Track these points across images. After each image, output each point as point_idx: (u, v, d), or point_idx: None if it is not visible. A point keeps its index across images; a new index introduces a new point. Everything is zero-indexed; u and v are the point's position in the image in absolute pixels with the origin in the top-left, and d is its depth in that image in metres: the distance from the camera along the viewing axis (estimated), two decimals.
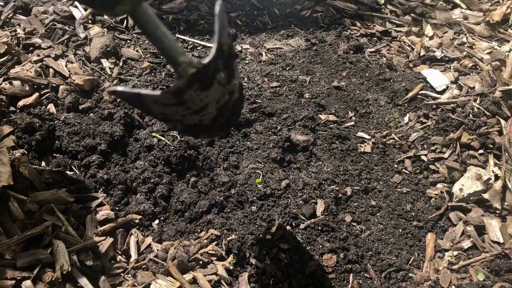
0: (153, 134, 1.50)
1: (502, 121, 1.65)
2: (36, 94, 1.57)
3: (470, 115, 1.70)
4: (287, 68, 2.00)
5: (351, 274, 1.23)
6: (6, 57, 1.66)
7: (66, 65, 1.74)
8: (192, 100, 0.81)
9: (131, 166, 1.42)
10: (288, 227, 1.30)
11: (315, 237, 1.30)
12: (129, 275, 1.14)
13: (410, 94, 1.86)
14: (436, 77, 1.93)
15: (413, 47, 2.18)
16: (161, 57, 1.93)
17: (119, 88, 0.73)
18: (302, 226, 1.32)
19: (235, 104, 0.94)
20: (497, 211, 1.42)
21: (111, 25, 2.07)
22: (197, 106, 0.84)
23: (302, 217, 1.34)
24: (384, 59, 2.12)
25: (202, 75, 0.75)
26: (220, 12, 0.74)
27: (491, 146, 1.59)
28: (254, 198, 1.38)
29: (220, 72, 0.81)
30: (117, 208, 1.30)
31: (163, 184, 1.38)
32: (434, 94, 1.86)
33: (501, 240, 1.32)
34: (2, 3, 2.08)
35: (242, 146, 1.58)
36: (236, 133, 1.61)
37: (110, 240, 1.18)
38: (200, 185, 1.40)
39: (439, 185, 1.53)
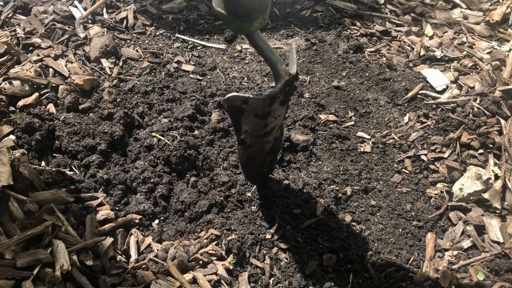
0: (153, 134, 1.50)
1: (502, 121, 1.65)
2: (36, 94, 1.57)
3: (470, 115, 1.70)
4: (287, 68, 2.00)
5: (351, 274, 1.23)
6: (6, 57, 1.66)
7: (65, 65, 1.74)
8: (273, 114, 1.03)
9: (131, 166, 1.42)
10: (288, 227, 1.30)
11: (315, 237, 1.30)
12: (129, 275, 1.14)
13: (410, 94, 1.86)
14: (436, 77, 1.93)
15: (413, 46, 2.18)
16: (161, 57, 1.94)
17: (232, 94, 0.92)
18: (302, 226, 1.32)
19: (278, 146, 1.17)
20: (497, 211, 1.42)
21: (111, 25, 2.07)
22: (271, 125, 1.06)
23: (302, 217, 1.34)
24: (384, 58, 2.12)
25: (289, 84, 0.99)
26: (293, 48, 1.06)
27: (491, 145, 1.59)
28: (254, 198, 1.38)
29: (289, 96, 1.05)
30: (117, 208, 1.30)
31: (163, 184, 1.38)
32: (434, 94, 1.86)
33: (501, 240, 1.32)
34: (2, 3, 2.08)
35: None
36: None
37: (110, 240, 1.18)
38: (200, 185, 1.40)
39: (439, 185, 1.53)
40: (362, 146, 1.64)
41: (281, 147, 1.27)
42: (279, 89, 0.98)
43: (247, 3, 0.79)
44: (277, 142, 1.19)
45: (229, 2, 0.78)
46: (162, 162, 1.43)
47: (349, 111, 1.80)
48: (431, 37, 2.23)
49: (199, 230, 1.29)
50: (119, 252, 1.20)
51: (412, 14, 2.38)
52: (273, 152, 1.21)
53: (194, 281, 1.12)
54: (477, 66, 1.98)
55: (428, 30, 2.26)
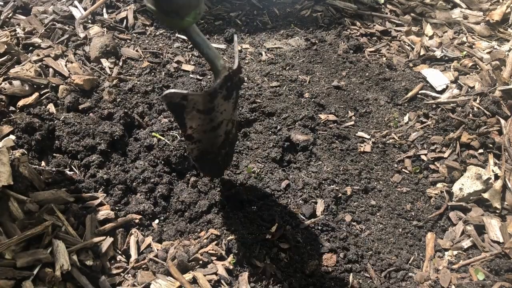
0: (153, 134, 1.50)
1: (502, 121, 1.64)
2: (36, 94, 1.56)
3: (470, 115, 1.69)
4: (287, 68, 2.00)
5: (351, 274, 1.23)
6: (6, 57, 1.66)
7: (65, 65, 1.74)
8: (217, 109, 1.02)
9: (131, 166, 1.42)
10: (288, 227, 1.30)
11: (315, 236, 1.30)
12: (129, 274, 1.14)
13: (410, 94, 1.86)
14: (436, 77, 1.93)
15: (413, 46, 2.18)
16: (161, 57, 1.94)
17: (170, 90, 0.90)
18: (302, 226, 1.32)
19: (232, 139, 1.16)
20: (497, 211, 1.42)
21: (111, 25, 2.06)
22: (217, 120, 1.05)
23: (302, 217, 1.34)
24: (384, 58, 2.12)
25: (230, 79, 0.98)
26: (235, 42, 1.05)
27: (491, 145, 1.59)
28: (254, 198, 1.38)
29: (234, 90, 1.04)
30: (117, 208, 1.30)
31: (163, 184, 1.38)
32: (434, 94, 1.86)
33: (501, 240, 1.32)
34: (2, 3, 2.07)
35: (241, 146, 1.57)
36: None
37: (110, 240, 1.18)
38: (200, 185, 1.40)
39: (439, 185, 1.53)
40: (362, 146, 1.64)
41: (236, 140, 1.25)
42: (218, 85, 0.97)
43: (172, 3, 0.79)
44: (230, 136, 1.17)
45: (154, 2, 0.77)
46: (162, 162, 1.43)
47: (349, 111, 1.80)
48: (431, 37, 2.23)
49: (199, 230, 1.29)
50: (119, 252, 1.20)
51: (412, 14, 2.38)
52: (227, 145, 1.19)
53: (194, 281, 1.12)
54: (477, 66, 1.98)
55: (428, 30, 2.26)
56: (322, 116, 1.73)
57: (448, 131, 1.67)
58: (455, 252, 1.33)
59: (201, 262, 1.17)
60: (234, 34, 1.08)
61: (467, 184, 1.46)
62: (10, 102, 1.53)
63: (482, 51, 2.08)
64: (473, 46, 2.14)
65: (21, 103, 1.52)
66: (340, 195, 1.43)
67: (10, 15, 2.01)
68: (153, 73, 1.83)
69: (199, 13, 0.85)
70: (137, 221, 1.28)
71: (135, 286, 1.10)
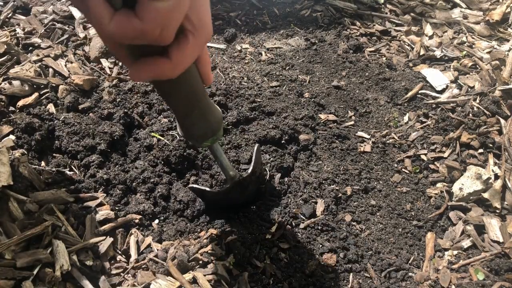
0: (152, 134, 1.50)
1: (502, 121, 1.65)
2: (35, 94, 1.56)
3: (470, 115, 1.70)
4: (287, 68, 2.00)
5: (351, 274, 1.23)
6: (5, 57, 1.66)
7: (65, 65, 1.74)
8: (233, 197, 1.30)
9: (131, 166, 1.42)
10: (288, 227, 1.30)
11: (315, 236, 1.30)
12: (129, 275, 1.14)
13: (409, 94, 1.86)
14: (436, 77, 1.93)
15: (413, 46, 2.18)
16: None
17: (194, 185, 1.27)
18: (302, 225, 1.32)
19: (252, 189, 1.37)
20: (497, 211, 1.42)
21: None
22: (234, 199, 1.33)
23: (302, 216, 1.34)
24: (384, 58, 2.12)
25: (240, 183, 1.24)
26: (257, 150, 1.31)
27: (490, 145, 1.59)
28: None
29: (252, 182, 1.31)
30: (117, 208, 1.30)
31: (162, 184, 1.38)
32: (433, 94, 1.86)
33: (501, 240, 1.32)
34: (2, 3, 2.07)
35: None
36: (235, 131, 1.61)
37: (110, 240, 1.18)
38: (200, 184, 1.40)
39: (439, 185, 1.53)
40: (362, 146, 1.64)
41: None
42: (229, 188, 1.22)
43: (193, 134, 0.95)
44: (250, 192, 1.37)
45: (181, 132, 0.96)
46: (162, 162, 1.43)
47: (349, 111, 1.80)
48: (431, 37, 2.23)
49: (199, 230, 1.29)
50: (119, 252, 1.20)
51: (412, 14, 2.38)
52: (247, 195, 1.37)
53: (194, 281, 1.12)
54: (477, 66, 1.98)
55: (428, 29, 2.26)
56: (322, 116, 1.73)
57: (448, 131, 1.67)
58: (455, 252, 1.33)
59: (201, 262, 1.17)
60: (256, 144, 1.34)
61: (467, 184, 1.46)
62: (10, 102, 1.53)
63: (482, 51, 2.08)
64: (473, 46, 2.14)
65: (21, 103, 1.52)
66: (340, 195, 1.43)
67: (10, 15, 2.01)
68: None
69: (217, 138, 0.98)
70: (137, 221, 1.28)
71: (135, 286, 1.10)
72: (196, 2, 0.62)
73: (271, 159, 1.50)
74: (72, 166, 1.40)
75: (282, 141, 1.57)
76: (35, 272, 1.04)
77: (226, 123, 1.60)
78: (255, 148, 1.30)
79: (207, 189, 1.25)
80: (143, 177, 1.37)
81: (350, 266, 1.25)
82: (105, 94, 1.64)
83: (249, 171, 1.26)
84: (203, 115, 0.90)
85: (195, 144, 1.01)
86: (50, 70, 1.69)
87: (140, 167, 1.40)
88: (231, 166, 1.20)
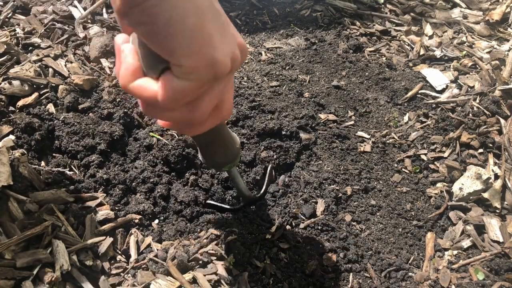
0: (151, 134, 1.50)
1: (502, 120, 1.65)
2: (35, 94, 1.56)
3: (470, 114, 1.70)
4: (287, 68, 2.00)
5: (351, 274, 1.23)
6: (5, 57, 1.66)
7: (65, 65, 1.73)
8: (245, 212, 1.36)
9: (131, 166, 1.42)
10: (288, 227, 1.30)
11: (315, 236, 1.30)
12: (129, 275, 1.14)
13: (409, 94, 1.86)
14: (436, 76, 1.93)
15: (413, 46, 2.18)
16: None
17: (211, 202, 1.36)
18: (302, 225, 1.32)
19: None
20: (497, 210, 1.42)
21: (111, 24, 2.06)
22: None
23: (302, 216, 1.34)
24: (384, 58, 2.12)
25: (253, 201, 1.36)
26: (270, 171, 1.44)
27: (490, 145, 1.59)
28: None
29: (257, 202, 1.38)
30: (116, 208, 1.30)
31: (162, 183, 1.38)
32: (433, 93, 1.86)
33: (501, 239, 1.32)
34: (1, 3, 2.07)
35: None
36: (234, 129, 1.61)
37: (109, 240, 1.18)
38: (200, 183, 1.40)
39: (439, 184, 1.53)
40: (362, 146, 1.64)
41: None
42: (242, 205, 1.35)
43: (214, 162, 1.01)
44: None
45: (203, 159, 1.03)
46: (161, 162, 1.43)
47: (349, 111, 1.80)
48: (430, 37, 2.23)
49: (199, 229, 1.29)
50: (119, 252, 1.20)
51: (412, 14, 2.38)
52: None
53: (194, 281, 1.12)
54: (477, 66, 1.98)
55: (428, 29, 2.26)
56: (322, 116, 1.73)
57: (448, 131, 1.67)
58: (455, 252, 1.33)
59: (201, 262, 1.17)
60: (270, 165, 1.45)
61: (467, 184, 1.46)
62: (9, 102, 1.53)
63: (481, 51, 2.08)
64: (473, 45, 2.14)
65: (20, 103, 1.52)
66: (340, 195, 1.43)
67: (10, 15, 2.01)
68: None
69: (234, 164, 1.06)
70: (137, 221, 1.27)
71: (135, 286, 1.10)
72: (221, 85, 0.64)
73: (274, 155, 1.51)
74: (72, 166, 1.40)
75: (283, 136, 1.58)
76: (35, 272, 1.04)
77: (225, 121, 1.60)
78: (268, 168, 1.44)
79: (225, 206, 1.36)
80: (142, 177, 1.37)
81: (350, 266, 1.25)
82: (105, 94, 1.64)
83: (262, 192, 1.39)
84: (223, 144, 0.96)
85: (215, 169, 1.11)
86: (50, 70, 1.69)
87: (140, 167, 1.39)
88: (246, 187, 1.29)
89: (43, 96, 1.59)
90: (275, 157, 1.51)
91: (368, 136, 1.69)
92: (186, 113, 0.63)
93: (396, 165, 1.60)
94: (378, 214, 1.42)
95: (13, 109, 1.52)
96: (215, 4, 0.59)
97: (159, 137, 1.48)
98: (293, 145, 1.58)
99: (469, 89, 1.85)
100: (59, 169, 1.36)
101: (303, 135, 1.59)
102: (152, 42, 0.54)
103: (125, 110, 1.57)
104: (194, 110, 0.63)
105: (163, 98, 0.58)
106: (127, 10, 0.50)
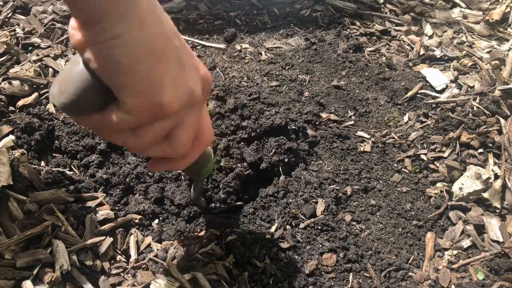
0: None
1: (502, 120, 1.65)
2: (35, 94, 1.56)
3: (470, 114, 1.70)
4: (287, 67, 2.00)
5: (351, 274, 1.23)
6: (5, 57, 1.66)
7: (65, 65, 1.73)
8: None
9: (130, 166, 1.42)
10: (288, 227, 1.30)
11: (315, 236, 1.30)
12: (129, 274, 1.14)
13: (409, 93, 1.86)
14: (436, 76, 1.93)
15: (413, 46, 2.18)
16: None
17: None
18: (302, 225, 1.32)
19: None
20: (497, 210, 1.42)
21: None
22: None
23: (302, 216, 1.34)
24: (384, 58, 2.12)
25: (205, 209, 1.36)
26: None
27: (490, 145, 1.59)
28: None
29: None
30: (116, 208, 1.30)
31: (162, 183, 1.38)
32: (433, 93, 1.86)
33: (501, 239, 1.32)
34: (1, 3, 2.07)
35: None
36: (232, 116, 1.61)
37: (109, 240, 1.18)
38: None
39: (438, 184, 1.53)
40: (362, 146, 1.64)
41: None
42: (224, 209, 1.38)
43: (200, 173, 1.09)
44: None
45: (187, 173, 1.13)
46: None
47: (349, 111, 1.80)
48: (430, 37, 2.23)
49: (198, 230, 1.29)
50: (119, 252, 1.20)
51: (412, 14, 2.38)
52: None
53: (194, 281, 1.12)
54: (477, 66, 1.98)
55: (428, 29, 2.26)
56: (323, 115, 1.73)
57: (448, 131, 1.67)
58: (455, 252, 1.33)
59: (201, 262, 1.17)
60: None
61: (467, 184, 1.46)
62: (9, 102, 1.53)
63: (481, 51, 2.08)
64: (473, 45, 2.14)
65: (20, 103, 1.52)
66: (340, 194, 1.43)
67: (10, 15, 2.01)
68: None
69: (211, 168, 1.10)
70: (137, 221, 1.28)
71: (135, 286, 1.10)
72: (191, 117, 0.67)
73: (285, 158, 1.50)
74: (72, 166, 1.40)
75: (289, 130, 1.56)
76: (35, 272, 1.04)
77: (223, 110, 1.58)
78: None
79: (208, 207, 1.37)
80: (142, 177, 1.37)
81: (350, 266, 1.25)
82: None
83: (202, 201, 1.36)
84: (206, 158, 1.03)
85: (200, 177, 1.16)
86: (50, 70, 1.69)
87: (133, 163, 1.39)
88: (200, 194, 1.32)
89: (43, 96, 1.59)
90: (286, 160, 1.49)
91: (368, 136, 1.69)
92: (167, 149, 0.67)
93: (396, 165, 1.60)
94: (378, 214, 1.42)
95: (13, 109, 1.52)
96: (174, 42, 0.63)
97: None
98: (303, 144, 1.56)
99: (469, 89, 1.85)
100: (59, 169, 1.36)
101: (309, 132, 1.59)
102: (103, 74, 0.57)
103: None
104: (172, 145, 0.67)
105: (107, 123, 0.61)
106: (84, 46, 0.53)
